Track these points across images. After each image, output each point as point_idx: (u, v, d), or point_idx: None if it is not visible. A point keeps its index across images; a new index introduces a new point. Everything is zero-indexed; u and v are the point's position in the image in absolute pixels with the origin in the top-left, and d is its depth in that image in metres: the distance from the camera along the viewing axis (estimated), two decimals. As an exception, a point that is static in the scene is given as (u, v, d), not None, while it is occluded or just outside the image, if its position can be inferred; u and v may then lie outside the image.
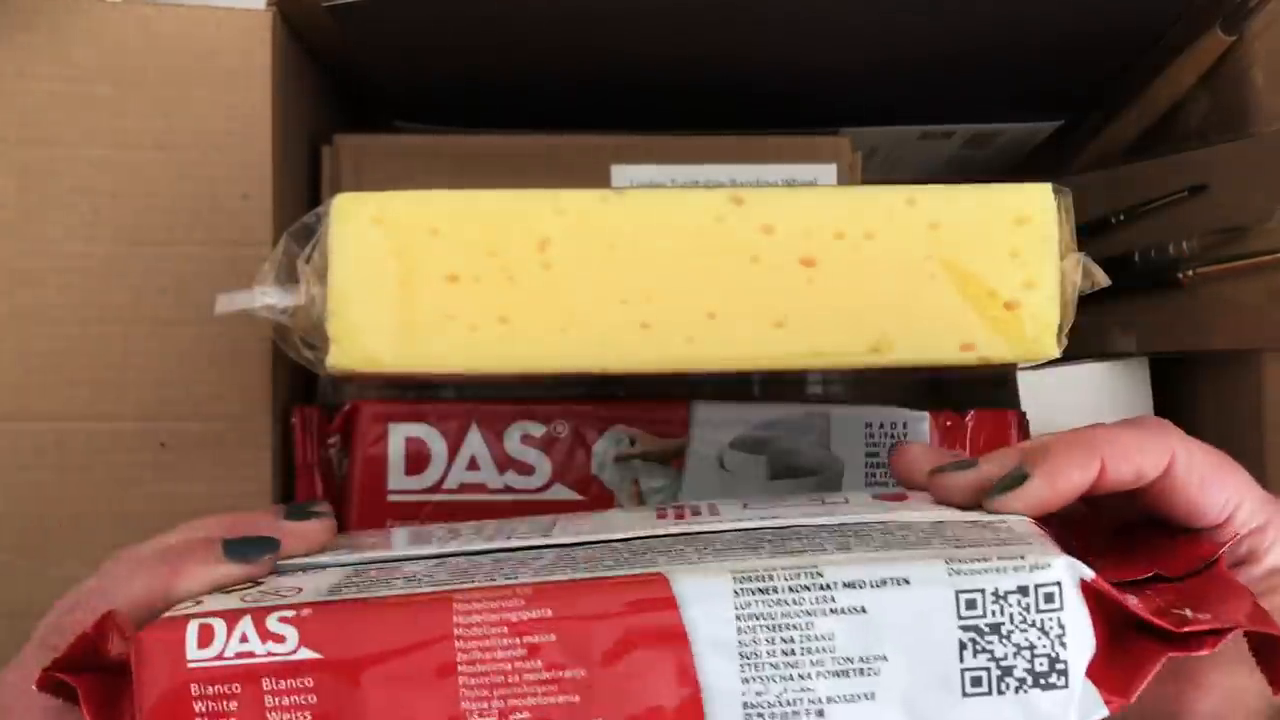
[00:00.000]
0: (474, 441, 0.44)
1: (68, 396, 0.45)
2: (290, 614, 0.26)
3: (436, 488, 0.44)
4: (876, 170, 0.63)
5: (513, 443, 0.44)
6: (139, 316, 0.46)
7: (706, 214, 0.36)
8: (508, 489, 0.44)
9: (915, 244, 0.36)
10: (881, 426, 0.45)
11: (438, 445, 0.44)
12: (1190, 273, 0.49)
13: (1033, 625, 0.25)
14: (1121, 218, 0.53)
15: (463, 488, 0.44)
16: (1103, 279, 0.37)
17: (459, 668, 0.25)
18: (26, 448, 0.45)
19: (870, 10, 0.47)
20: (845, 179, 0.50)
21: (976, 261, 0.36)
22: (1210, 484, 0.31)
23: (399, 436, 0.44)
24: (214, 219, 0.46)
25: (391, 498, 0.44)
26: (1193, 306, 0.49)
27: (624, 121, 0.51)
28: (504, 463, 0.44)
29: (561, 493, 0.44)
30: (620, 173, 0.50)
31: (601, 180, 0.49)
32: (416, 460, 0.44)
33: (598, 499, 0.44)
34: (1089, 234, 0.54)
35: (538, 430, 0.44)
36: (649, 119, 0.51)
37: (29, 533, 0.44)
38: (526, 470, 0.44)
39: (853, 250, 0.36)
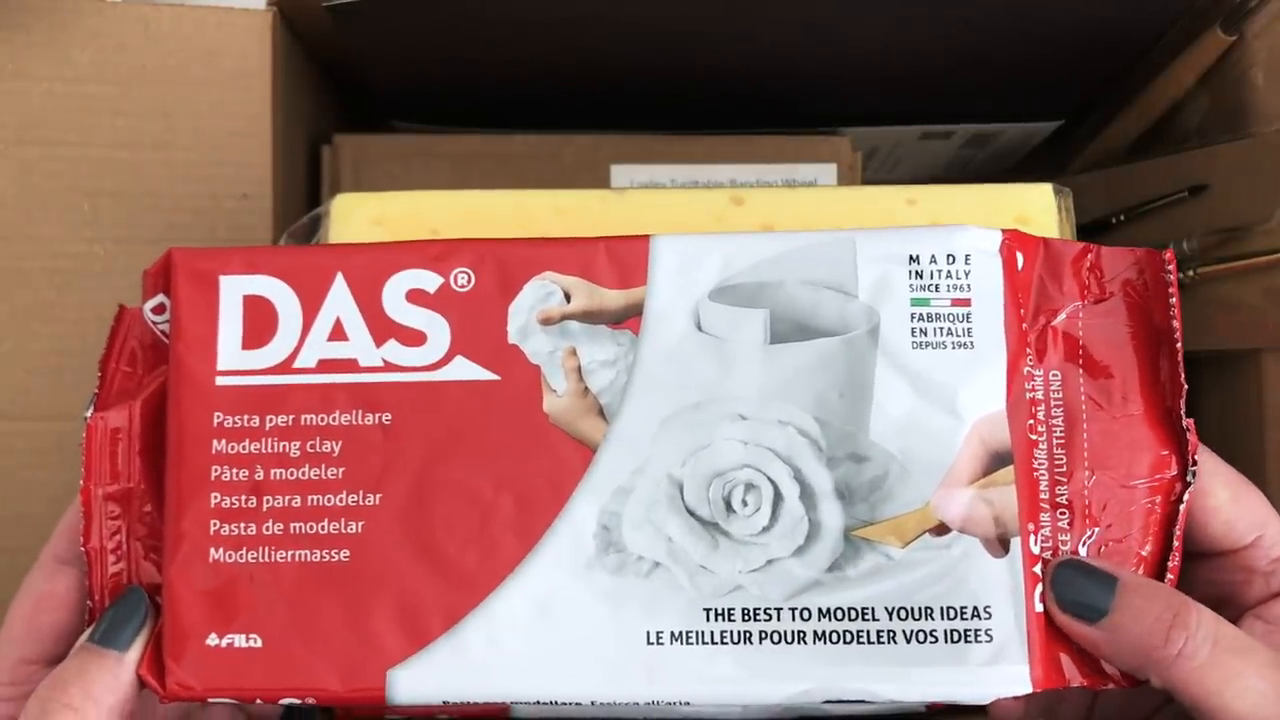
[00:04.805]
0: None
1: (68, 396, 0.45)
2: None
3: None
4: (876, 170, 0.63)
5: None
6: (139, 316, 0.46)
7: (706, 214, 0.36)
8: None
9: (915, 244, 0.36)
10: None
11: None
12: (1190, 273, 0.49)
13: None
14: (1121, 218, 0.53)
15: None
16: (1103, 279, 0.36)
17: None
18: (26, 448, 0.45)
19: (871, 12, 0.47)
20: (845, 179, 0.50)
21: (977, 261, 0.35)
22: (1241, 499, 0.31)
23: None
24: (214, 219, 0.46)
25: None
26: (1193, 306, 0.49)
27: (624, 121, 0.51)
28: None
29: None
30: (620, 173, 0.50)
31: (601, 180, 0.49)
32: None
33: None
34: (1089, 234, 0.54)
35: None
36: (649, 119, 0.51)
37: (29, 533, 0.44)
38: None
39: (853, 250, 0.36)
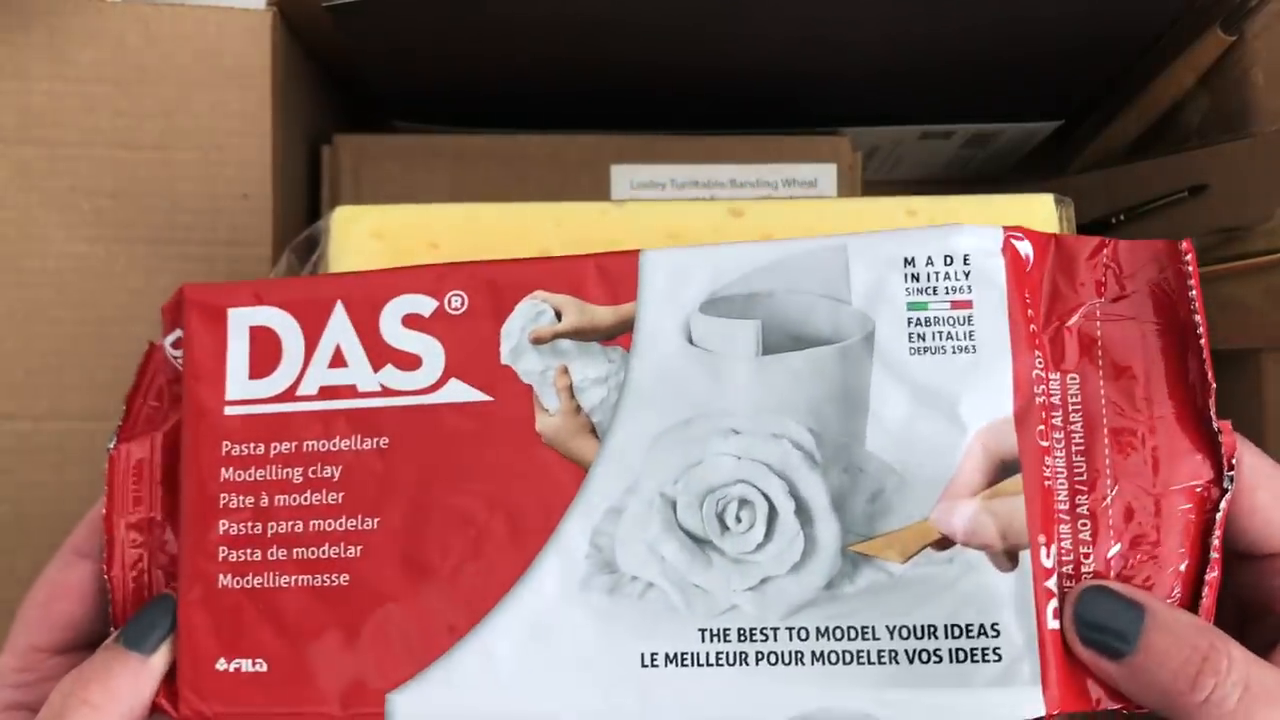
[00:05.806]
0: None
1: (68, 396, 0.45)
2: None
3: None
4: (876, 170, 0.63)
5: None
6: (139, 316, 0.46)
7: (706, 226, 0.36)
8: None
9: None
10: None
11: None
12: (1190, 273, 0.49)
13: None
14: (1121, 218, 0.53)
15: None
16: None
17: None
18: (26, 448, 0.45)
19: (870, 12, 0.47)
20: (845, 179, 0.50)
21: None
22: None
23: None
24: (214, 219, 0.46)
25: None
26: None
27: (624, 121, 0.51)
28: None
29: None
30: (620, 173, 0.50)
31: (602, 180, 0.49)
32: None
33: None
34: (1089, 234, 0.54)
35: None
36: (649, 119, 0.51)
37: (29, 533, 0.45)
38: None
39: (853, 258, 0.36)
